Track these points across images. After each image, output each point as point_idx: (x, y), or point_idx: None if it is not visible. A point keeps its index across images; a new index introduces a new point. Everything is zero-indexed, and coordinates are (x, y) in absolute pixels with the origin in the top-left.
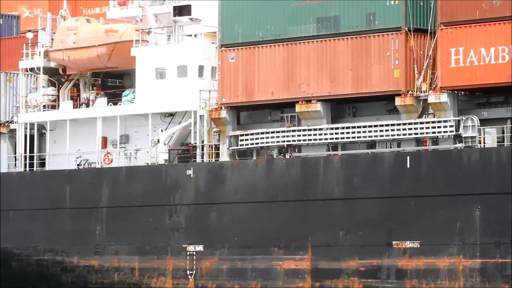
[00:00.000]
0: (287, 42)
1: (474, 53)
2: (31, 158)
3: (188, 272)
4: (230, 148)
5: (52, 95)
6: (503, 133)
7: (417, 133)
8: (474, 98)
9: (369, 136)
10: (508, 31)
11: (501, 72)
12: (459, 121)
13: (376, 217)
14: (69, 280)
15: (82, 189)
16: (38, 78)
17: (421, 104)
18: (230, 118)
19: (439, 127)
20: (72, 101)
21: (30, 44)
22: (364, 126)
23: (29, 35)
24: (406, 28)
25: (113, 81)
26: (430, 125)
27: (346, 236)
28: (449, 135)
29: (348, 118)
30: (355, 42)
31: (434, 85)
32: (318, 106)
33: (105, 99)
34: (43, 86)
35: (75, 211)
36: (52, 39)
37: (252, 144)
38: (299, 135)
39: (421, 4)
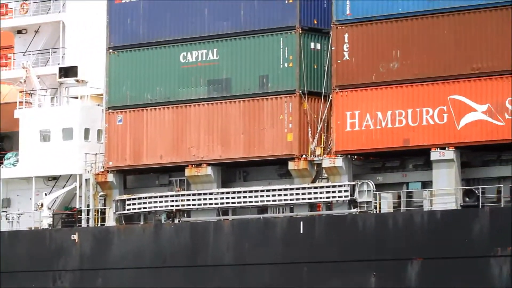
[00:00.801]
0: (177, 105)
1: (371, 117)
2: None
3: None
4: (117, 212)
5: None
6: (399, 198)
7: (310, 198)
8: (369, 162)
9: (261, 201)
10: (406, 94)
11: (398, 136)
12: (354, 185)
13: (268, 284)
14: None
15: None
16: None
17: (315, 168)
18: (116, 182)
19: (333, 191)
20: None
21: None
22: (256, 191)
23: None
24: (300, 91)
25: None
26: (324, 189)
27: None
28: (344, 200)
29: (238, 182)
30: (247, 105)
31: (328, 149)
32: (208, 170)
33: None
34: None
35: None
36: None
37: (140, 208)
38: (188, 200)
39: (315, 67)
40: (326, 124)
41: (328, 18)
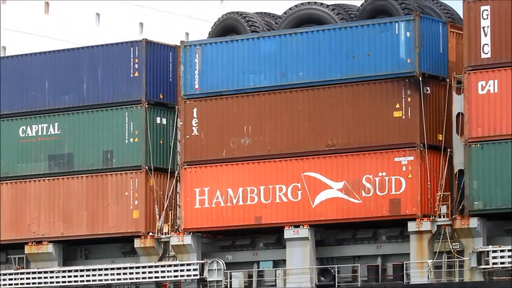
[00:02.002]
0: (16, 180)
1: (221, 194)
2: None
3: None
4: None
5: None
6: (250, 277)
7: (158, 277)
8: (218, 240)
9: (105, 280)
10: (258, 171)
11: (249, 214)
12: (203, 264)
13: None
14: None
15: None
16: None
17: (162, 246)
18: None
19: (182, 270)
20: None
21: None
22: (100, 269)
23: None
24: (146, 167)
25: None
26: (172, 268)
27: None
28: (192, 279)
29: (80, 261)
30: (90, 180)
31: (176, 227)
32: (49, 248)
33: None
34: None
35: None
36: None
37: None
38: (28, 278)
39: (161, 142)
40: (173, 200)
41: (173, 92)
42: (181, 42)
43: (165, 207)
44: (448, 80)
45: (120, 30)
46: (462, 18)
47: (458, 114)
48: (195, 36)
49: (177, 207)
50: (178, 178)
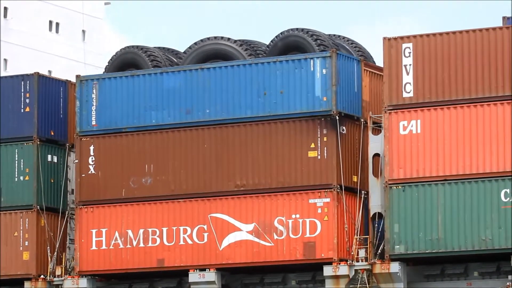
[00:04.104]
0: None
1: (120, 235)
2: None
3: None
4: None
5: None
6: None
7: None
8: (114, 284)
9: None
10: (160, 212)
11: (151, 256)
12: None
13: None
14: None
15: None
16: None
17: None
18: None
19: None
20: None
21: None
22: None
23: None
24: (38, 207)
25: None
26: None
27: None
28: None
29: None
30: None
31: (70, 269)
32: None
33: None
34: None
35: None
36: None
37: None
38: None
39: (52, 181)
40: (67, 242)
41: (64, 129)
42: (77, 76)
43: (56, 248)
44: (362, 120)
45: None
46: (372, 56)
47: (375, 155)
48: (57, 73)
49: (67, 248)
50: (68, 219)
